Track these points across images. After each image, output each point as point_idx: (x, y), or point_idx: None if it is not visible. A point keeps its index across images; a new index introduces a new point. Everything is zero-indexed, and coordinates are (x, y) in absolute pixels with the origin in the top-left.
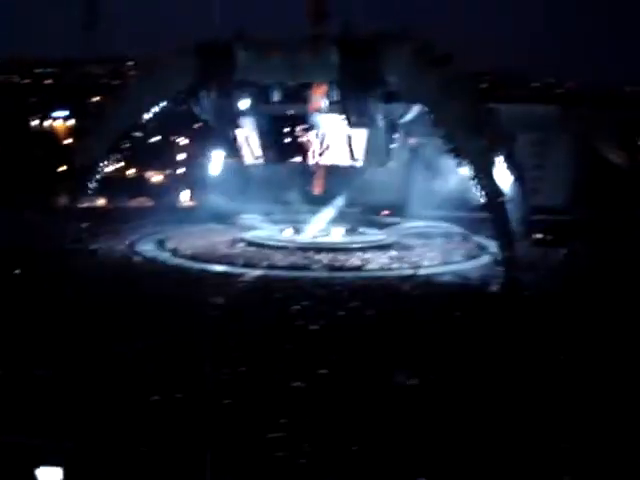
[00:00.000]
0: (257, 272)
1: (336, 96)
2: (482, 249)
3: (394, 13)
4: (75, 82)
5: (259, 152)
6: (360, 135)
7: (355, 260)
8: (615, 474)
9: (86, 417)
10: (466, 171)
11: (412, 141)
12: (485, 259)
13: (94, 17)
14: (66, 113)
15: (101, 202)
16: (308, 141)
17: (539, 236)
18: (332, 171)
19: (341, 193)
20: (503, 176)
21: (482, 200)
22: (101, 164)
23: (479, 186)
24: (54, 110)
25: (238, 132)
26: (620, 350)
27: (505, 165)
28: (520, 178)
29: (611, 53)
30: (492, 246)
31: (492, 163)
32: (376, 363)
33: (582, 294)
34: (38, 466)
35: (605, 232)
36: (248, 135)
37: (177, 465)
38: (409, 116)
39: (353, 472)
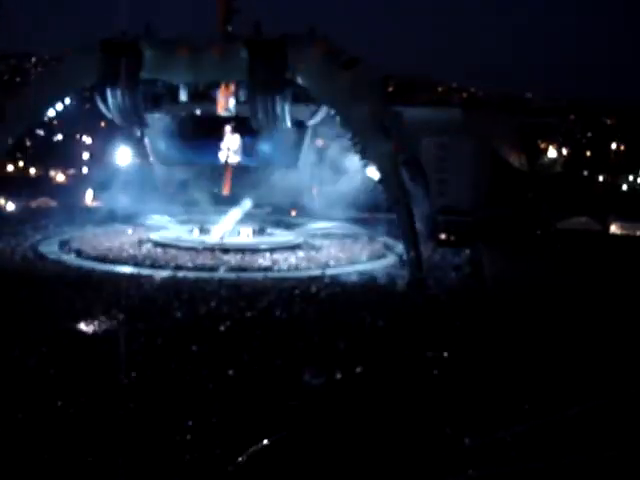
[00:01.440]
0: (164, 273)
1: (244, 96)
2: (388, 249)
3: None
4: None
5: (166, 151)
6: (269, 135)
7: (263, 260)
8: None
9: None
10: (372, 172)
11: (319, 142)
12: (391, 259)
13: None
14: None
15: (1, 202)
16: (216, 141)
17: (443, 236)
18: (240, 172)
19: (249, 194)
20: (407, 178)
21: (388, 201)
22: (2, 163)
23: (385, 187)
24: None
25: (144, 131)
26: (520, 342)
27: (409, 167)
28: (424, 180)
29: (514, 59)
30: (397, 246)
31: (397, 165)
32: (285, 363)
33: (484, 292)
34: None
35: (506, 231)
36: (154, 134)
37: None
38: (317, 117)
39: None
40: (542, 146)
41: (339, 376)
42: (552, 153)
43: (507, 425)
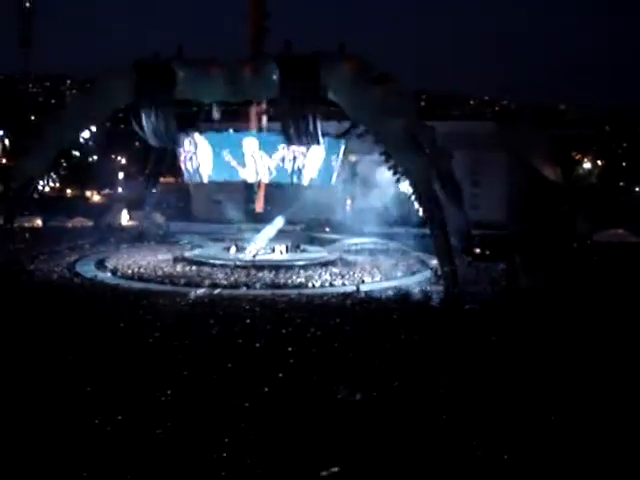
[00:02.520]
0: (199, 291)
1: (277, 114)
2: (423, 264)
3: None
4: (11, 101)
5: (201, 171)
6: (303, 153)
7: (298, 277)
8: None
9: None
10: (405, 187)
11: (352, 158)
12: (426, 274)
13: (29, 34)
14: (1, 132)
15: (38, 222)
16: (249, 159)
17: (478, 251)
18: (274, 189)
19: (282, 211)
20: (441, 192)
21: (421, 216)
22: (39, 184)
23: (418, 202)
24: None
25: (179, 151)
26: (560, 360)
27: (443, 181)
28: (458, 194)
29: (547, 71)
30: (432, 261)
31: (431, 180)
32: (321, 380)
33: (521, 306)
34: None
35: (541, 245)
36: (189, 153)
37: None
38: (349, 133)
39: None
40: (577, 158)
41: (375, 393)
42: (587, 165)
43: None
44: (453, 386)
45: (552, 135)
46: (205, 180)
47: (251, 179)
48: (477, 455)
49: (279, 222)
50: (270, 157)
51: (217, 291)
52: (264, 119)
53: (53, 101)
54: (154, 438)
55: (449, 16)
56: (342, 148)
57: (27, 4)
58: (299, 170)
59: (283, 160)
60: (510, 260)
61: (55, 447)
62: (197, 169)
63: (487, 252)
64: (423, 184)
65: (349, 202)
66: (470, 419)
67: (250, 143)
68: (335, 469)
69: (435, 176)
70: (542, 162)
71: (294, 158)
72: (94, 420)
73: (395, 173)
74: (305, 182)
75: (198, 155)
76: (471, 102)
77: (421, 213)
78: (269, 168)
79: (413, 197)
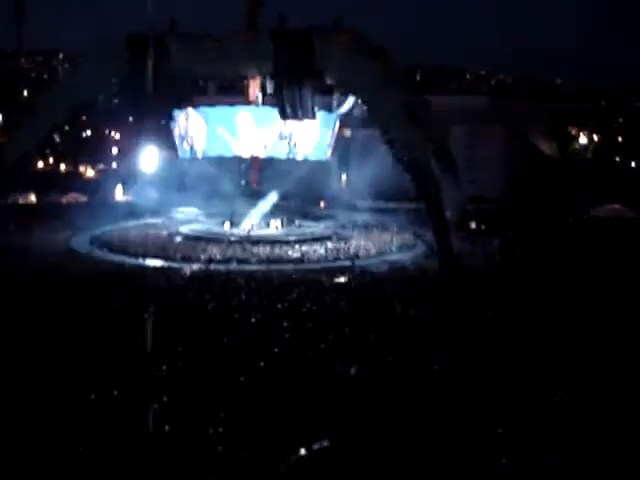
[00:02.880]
0: (195, 266)
1: (271, 88)
2: (418, 239)
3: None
4: (4, 76)
5: (195, 145)
6: (297, 127)
7: (293, 252)
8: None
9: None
10: (401, 162)
11: (347, 132)
12: (421, 249)
13: (23, 10)
14: None
15: (32, 198)
16: (243, 134)
17: (473, 225)
18: (269, 164)
19: (277, 185)
20: (437, 167)
21: (417, 190)
22: (32, 159)
23: (413, 177)
24: None
25: (173, 125)
26: (556, 334)
27: (439, 156)
28: (454, 169)
29: (543, 45)
30: (427, 236)
31: (427, 154)
32: (317, 354)
33: (517, 281)
34: None
35: (538, 219)
36: (183, 128)
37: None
38: (344, 108)
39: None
40: (573, 133)
41: (371, 367)
42: (583, 140)
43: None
44: (447, 361)
45: (548, 109)
46: (199, 155)
47: (245, 154)
48: (472, 429)
49: (273, 197)
50: (264, 131)
51: (212, 266)
52: (259, 93)
53: (45, 76)
54: (150, 413)
55: None
56: (337, 122)
57: None
58: (294, 144)
59: (277, 135)
60: (505, 235)
61: (52, 421)
62: (191, 144)
63: (483, 227)
64: (418, 158)
65: (344, 177)
66: (464, 393)
67: (244, 117)
68: (326, 442)
69: (431, 151)
70: (538, 136)
71: (289, 133)
72: (90, 395)
73: (391, 147)
74: (300, 157)
75: (192, 130)
76: (467, 76)
77: (416, 188)
78: (263, 143)
79: (408, 171)
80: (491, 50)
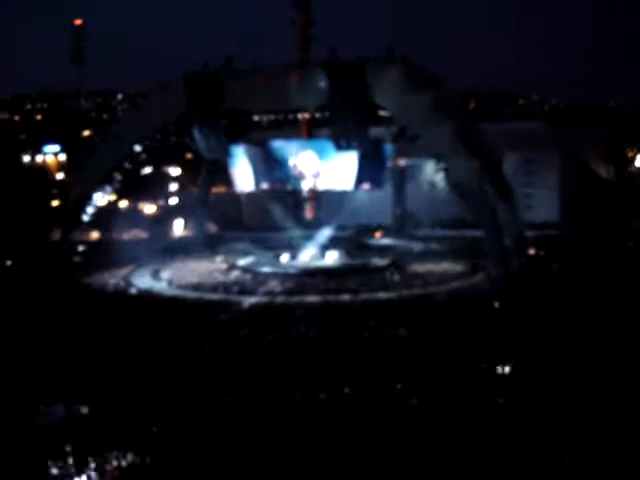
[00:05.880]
0: (253, 299)
1: (326, 121)
2: (477, 266)
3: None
4: (65, 117)
5: (252, 180)
6: (352, 158)
7: (351, 283)
8: None
9: None
10: (457, 190)
11: (402, 162)
12: (480, 276)
13: (82, 51)
14: (57, 148)
15: (95, 235)
16: (300, 167)
17: (532, 251)
18: (324, 195)
19: (333, 217)
20: (494, 194)
21: (473, 218)
22: (94, 197)
23: (470, 205)
24: (45, 145)
25: (229, 161)
26: (619, 359)
27: (495, 183)
28: (510, 195)
29: (595, 68)
30: (487, 263)
31: (482, 182)
32: (381, 385)
33: (578, 307)
34: None
35: (597, 244)
36: (240, 164)
37: None
38: (398, 137)
39: None
40: (630, 155)
41: (440, 396)
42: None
43: None
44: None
45: (604, 132)
46: (256, 189)
47: (301, 186)
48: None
49: (330, 229)
50: (319, 163)
51: (271, 299)
52: (312, 127)
53: (105, 116)
54: (214, 441)
55: (495, 20)
56: (392, 152)
57: (79, 22)
58: (349, 175)
59: (333, 166)
60: (565, 261)
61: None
62: (248, 178)
63: (542, 253)
64: (474, 187)
65: (401, 206)
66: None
67: (299, 150)
68: None
69: (487, 178)
70: (595, 160)
71: (344, 163)
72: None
73: (446, 176)
74: (355, 187)
75: (248, 164)
76: (520, 101)
77: (473, 215)
78: (319, 174)
79: (464, 199)
80: (545, 75)
